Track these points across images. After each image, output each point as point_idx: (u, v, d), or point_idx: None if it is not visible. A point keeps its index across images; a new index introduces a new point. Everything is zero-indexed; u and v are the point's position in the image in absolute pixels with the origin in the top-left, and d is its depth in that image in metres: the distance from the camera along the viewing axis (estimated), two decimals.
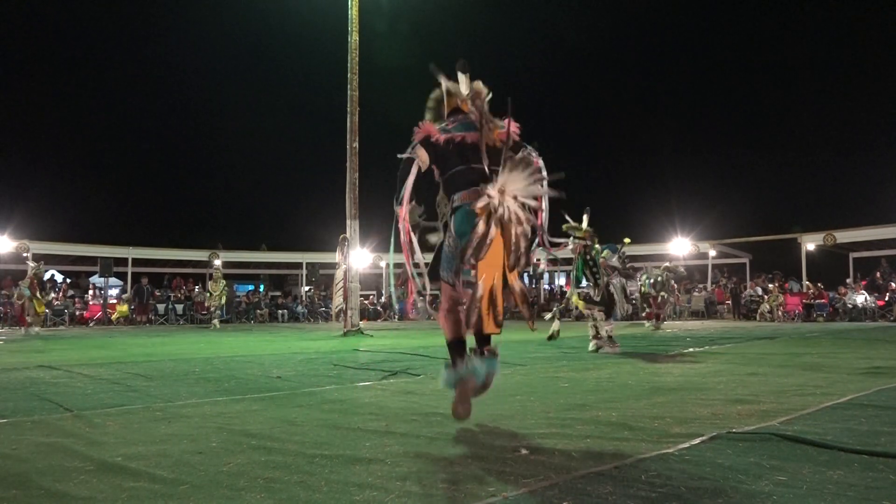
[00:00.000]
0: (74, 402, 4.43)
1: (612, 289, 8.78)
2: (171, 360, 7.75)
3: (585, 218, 8.53)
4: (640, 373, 6.01)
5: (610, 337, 8.47)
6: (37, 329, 15.67)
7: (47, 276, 23.85)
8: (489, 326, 3.27)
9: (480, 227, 3.24)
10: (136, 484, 2.43)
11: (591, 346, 8.41)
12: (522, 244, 3.31)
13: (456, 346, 3.54)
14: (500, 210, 3.26)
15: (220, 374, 6.15)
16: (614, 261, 9.06)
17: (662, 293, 15.36)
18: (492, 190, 3.27)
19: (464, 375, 3.41)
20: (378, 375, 5.93)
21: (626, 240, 10.30)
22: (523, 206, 3.38)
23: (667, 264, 16.29)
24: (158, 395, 4.73)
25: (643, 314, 15.20)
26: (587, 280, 8.53)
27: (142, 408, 4.17)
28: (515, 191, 3.32)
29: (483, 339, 3.53)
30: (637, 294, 17.27)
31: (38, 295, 15.80)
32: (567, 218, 8.40)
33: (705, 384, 5.09)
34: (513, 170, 3.31)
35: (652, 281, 15.28)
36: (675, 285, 15.59)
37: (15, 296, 16.67)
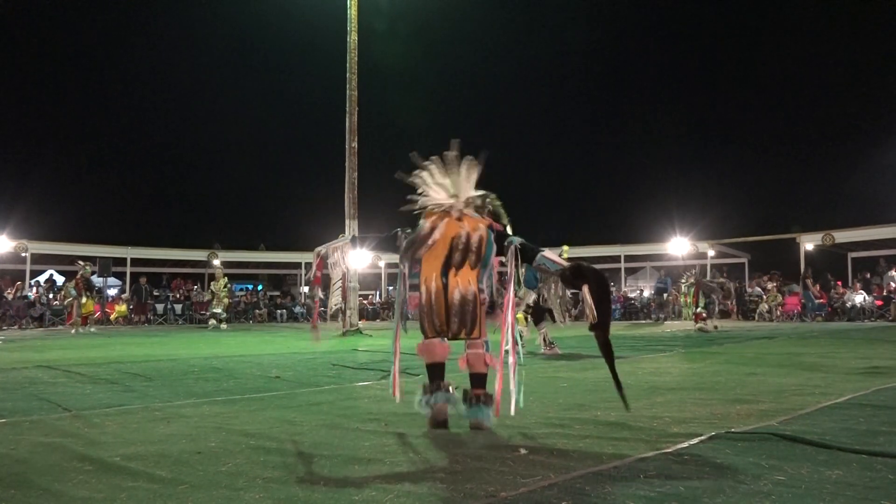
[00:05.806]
0: (73, 402, 4.43)
1: (546, 295, 8.75)
2: (170, 360, 7.74)
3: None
4: (639, 373, 6.00)
5: (545, 339, 8.46)
6: (82, 329, 15.60)
7: (45, 276, 23.82)
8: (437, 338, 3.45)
9: (426, 226, 3.43)
10: (134, 484, 2.42)
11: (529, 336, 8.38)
12: (468, 244, 3.39)
13: (430, 370, 3.52)
14: (452, 212, 3.44)
15: (218, 374, 6.15)
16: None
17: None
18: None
19: (431, 406, 3.43)
20: (377, 375, 5.92)
21: (565, 247, 10.62)
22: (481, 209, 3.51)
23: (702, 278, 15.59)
24: (157, 396, 4.73)
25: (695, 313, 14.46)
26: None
27: (140, 408, 4.16)
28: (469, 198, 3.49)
29: (475, 379, 3.44)
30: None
31: (84, 295, 15.98)
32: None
33: (704, 384, 5.09)
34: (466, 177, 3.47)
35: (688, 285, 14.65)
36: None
37: (62, 296, 16.66)
